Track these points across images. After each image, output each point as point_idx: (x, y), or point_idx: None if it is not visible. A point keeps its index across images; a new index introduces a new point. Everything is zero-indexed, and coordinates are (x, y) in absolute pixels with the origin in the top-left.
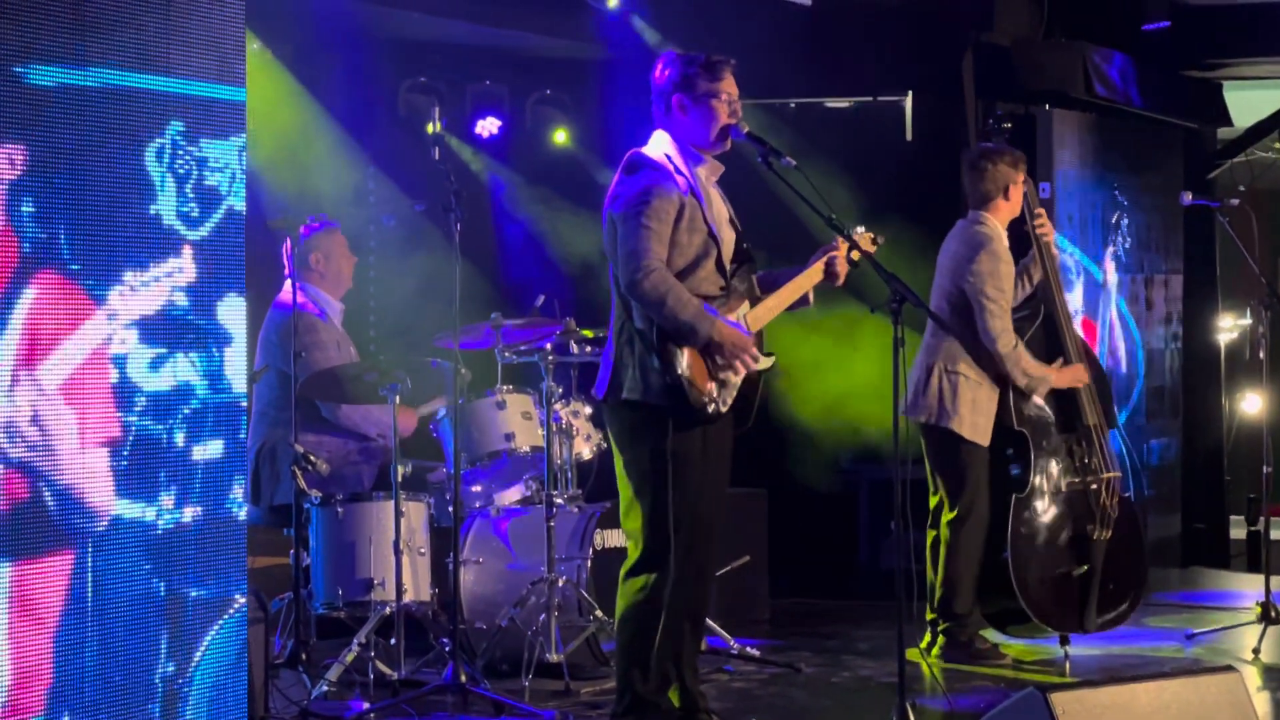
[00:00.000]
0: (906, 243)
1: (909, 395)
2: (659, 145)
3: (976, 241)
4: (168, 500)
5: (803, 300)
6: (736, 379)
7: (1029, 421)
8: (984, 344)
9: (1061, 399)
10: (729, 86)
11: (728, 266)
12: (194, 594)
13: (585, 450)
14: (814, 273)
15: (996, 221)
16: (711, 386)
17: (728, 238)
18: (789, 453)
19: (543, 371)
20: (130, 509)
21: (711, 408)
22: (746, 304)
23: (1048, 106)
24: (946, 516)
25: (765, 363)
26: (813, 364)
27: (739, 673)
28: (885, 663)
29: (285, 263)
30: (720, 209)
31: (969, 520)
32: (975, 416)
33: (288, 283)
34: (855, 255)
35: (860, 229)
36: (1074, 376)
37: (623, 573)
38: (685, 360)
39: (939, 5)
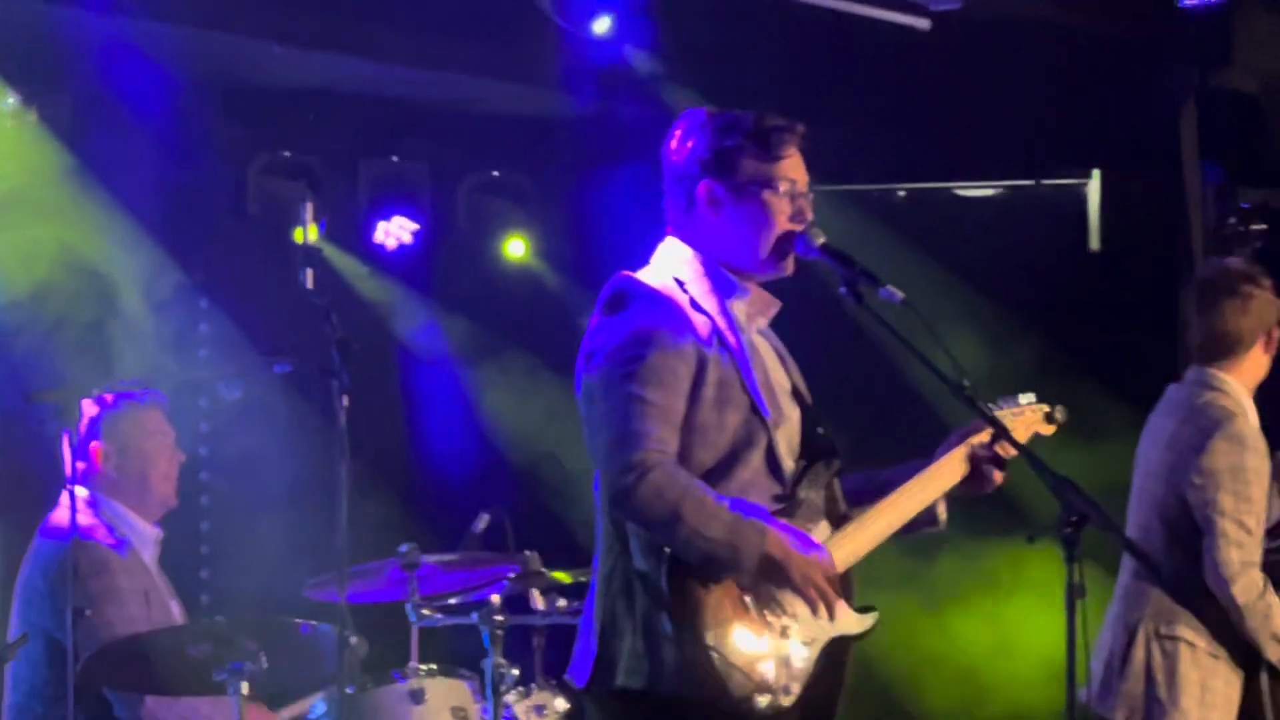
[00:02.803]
0: (1093, 419)
1: (1095, 675)
2: (668, 263)
3: (1210, 419)
4: None
5: (927, 518)
6: (810, 649)
7: None
8: (1215, 590)
9: None
10: (794, 169)
11: (789, 465)
12: None
13: None
14: (948, 471)
15: (1240, 386)
16: (762, 666)
17: (789, 417)
18: None
19: (486, 641)
20: None
21: (764, 701)
22: (825, 525)
23: None
24: None
25: (856, 624)
26: (924, 622)
27: None
28: None
29: (64, 464)
30: (775, 371)
31: None
32: (1208, 712)
33: (65, 495)
34: (1005, 449)
35: (1027, 399)
36: None
37: None
38: (718, 619)
39: (1140, 30)
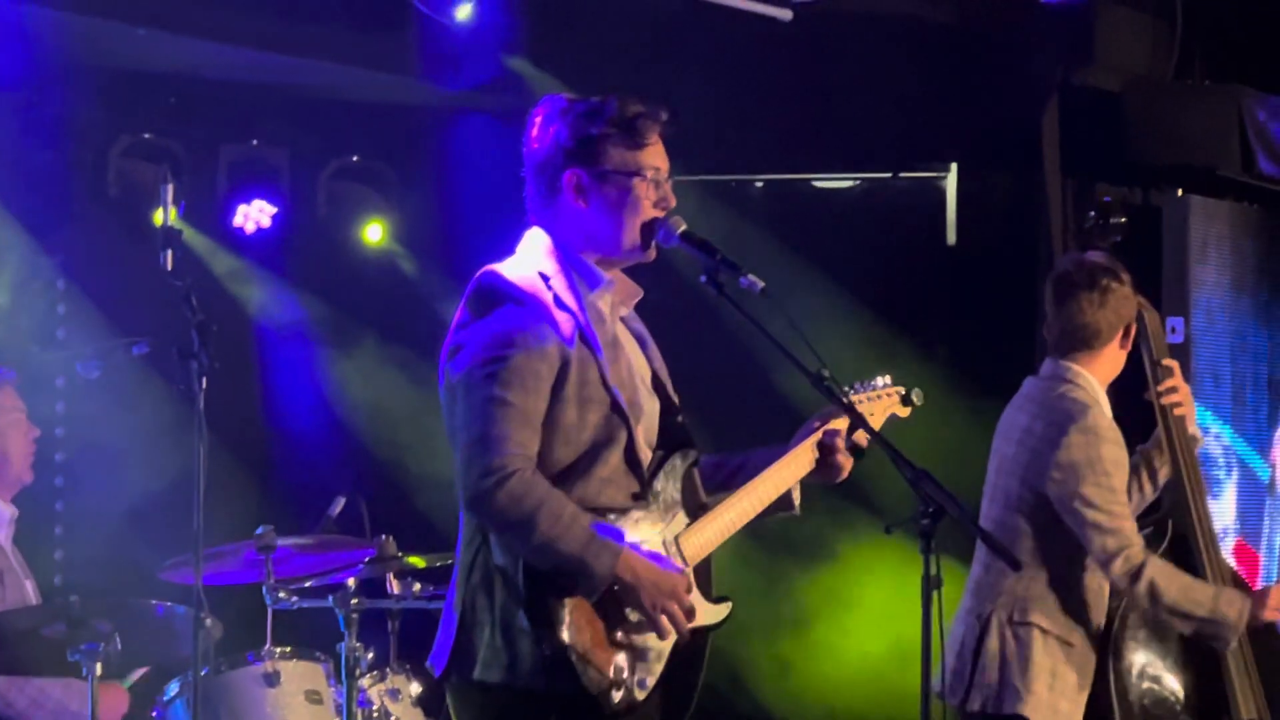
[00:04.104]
0: (950, 412)
1: (948, 664)
2: (531, 257)
3: (1063, 412)
4: None
5: (782, 503)
6: (663, 644)
7: (1141, 712)
8: (1097, 579)
9: (1200, 674)
10: (657, 156)
11: (647, 456)
12: None
13: None
14: (799, 460)
15: (1094, 379)
16: (617, 660)
17: (648, 410)
18: None
19: (341, 625)
20: None
21: (618, 696)
22: (682, 516)
23: (1181, 192)
24: None
25: (711, 614)
26: (785, 613)
27: None
28: None
29: None
30: (637, 362)
31: None
32: (1058, 699)
33: None
34: (862, 437)
35: (883, 381)
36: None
37: None
38: (572, 617)
39: (1001, 25)
